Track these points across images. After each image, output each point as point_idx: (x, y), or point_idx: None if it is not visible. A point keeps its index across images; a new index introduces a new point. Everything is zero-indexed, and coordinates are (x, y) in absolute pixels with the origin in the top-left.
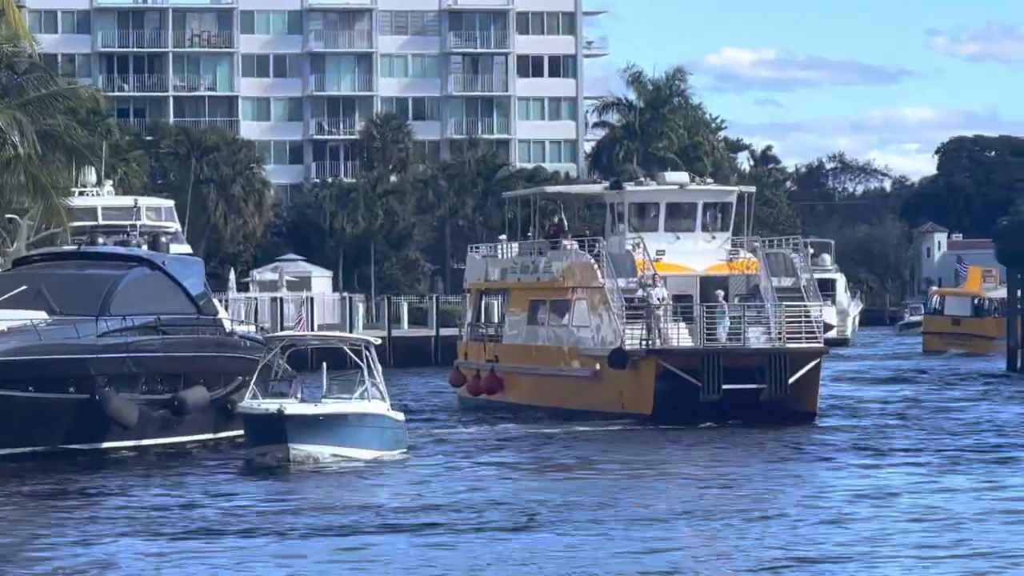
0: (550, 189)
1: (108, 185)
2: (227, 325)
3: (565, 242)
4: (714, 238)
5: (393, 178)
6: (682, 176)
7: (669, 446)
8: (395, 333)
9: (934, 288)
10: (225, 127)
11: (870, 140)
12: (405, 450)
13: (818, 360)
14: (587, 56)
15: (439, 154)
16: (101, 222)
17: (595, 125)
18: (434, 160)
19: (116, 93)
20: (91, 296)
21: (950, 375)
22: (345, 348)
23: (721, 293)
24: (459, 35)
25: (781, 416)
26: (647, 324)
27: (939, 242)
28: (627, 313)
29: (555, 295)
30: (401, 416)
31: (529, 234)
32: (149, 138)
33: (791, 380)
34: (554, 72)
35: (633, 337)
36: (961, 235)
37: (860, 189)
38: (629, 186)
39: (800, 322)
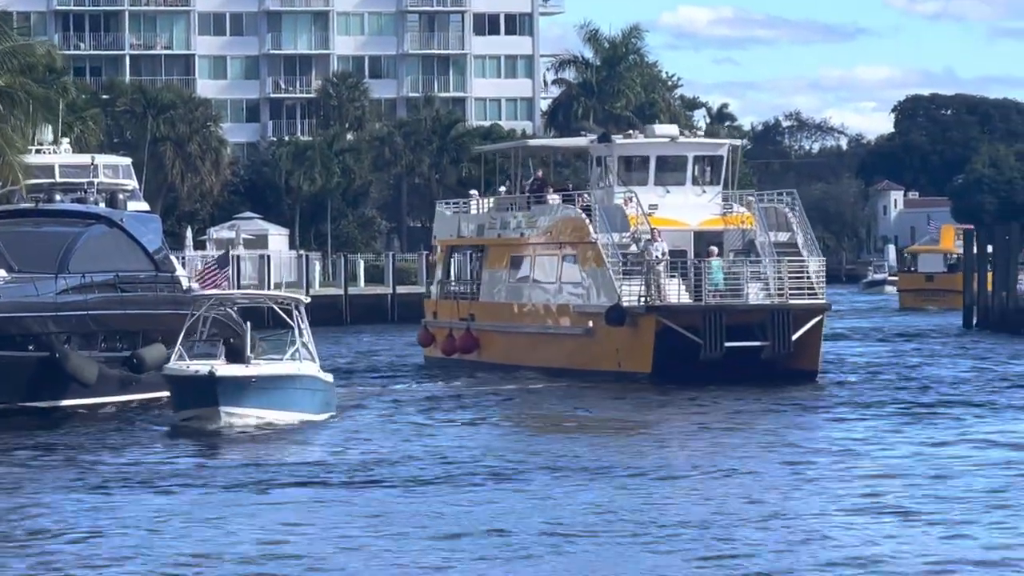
0: (532, 142)
1: (65, 143)
2: (184, 283)
3: (550, 196)
4: (704, 192)
5: (349, 136)
6: (672, 129)
7: (630, 399)
8: (351, 291)
9: (891, 246)
10: (182, 85)
11: (827, 98)
12: (334, 413)
13: (821, 317)
14: (543, 14)
15: (395, 112)
16: (58, 179)
17: (554, 82)
18: (390, 118)
19: (72, 52)
20: (50, 253)
21: (914, 332)
22: (275, 307)
23: (716, 250)
24: None
25: (782, 375)
26: (647, 280)
27: (895, 200)
28: (622, 269)
29: (542, 250)
30: (330, 378)
31: (502, 189)
32: (105, 96)
33: (794, 337)
34: (510, 30)
35: (630, 293)
36: (917, 193)
37: (816, 147)
38: (618, 139)
39: (802, 278)
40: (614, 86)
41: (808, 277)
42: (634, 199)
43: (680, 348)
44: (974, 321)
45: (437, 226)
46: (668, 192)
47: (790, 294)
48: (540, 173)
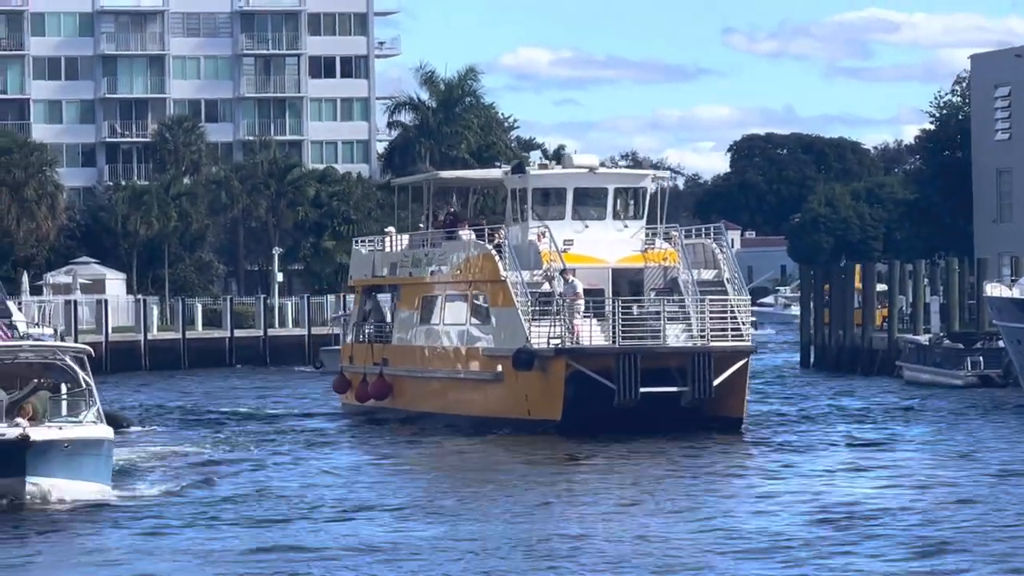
0: (444, 174)
1: None
2: (22, 328)
3: (462, 232)
4: (626, 226)
5: (186, 180)
6: (591, 159)
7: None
8: (189, 335)
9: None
10: (16, 130)
11: (667, 138)
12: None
13: (746, 360)
14: (379, 56)
15: (232, 155)
16: None
17: (390, 124)
18: (227, 162)
19: None
20: None
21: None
22: (68, 360)
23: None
24: (251, 36)
25: (705, 422)
26: (562, 321)
27: (732, 240)
28: (533, 309)
29: (451, 290)
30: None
31: (421, 225)
32: None
33: (716, 382)
34: (346, 73)
35: (540, 335)
36: (754, 233)
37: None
38: (533, 170)
39: (725, 318)
40: (451, 128)
41: (734, 317)
42: (547, 234)
43: (593, 394)
44: (811, 360)
45: (353, 265)
46: (587, 227)
47: (712, 336)
48: (451, 207)
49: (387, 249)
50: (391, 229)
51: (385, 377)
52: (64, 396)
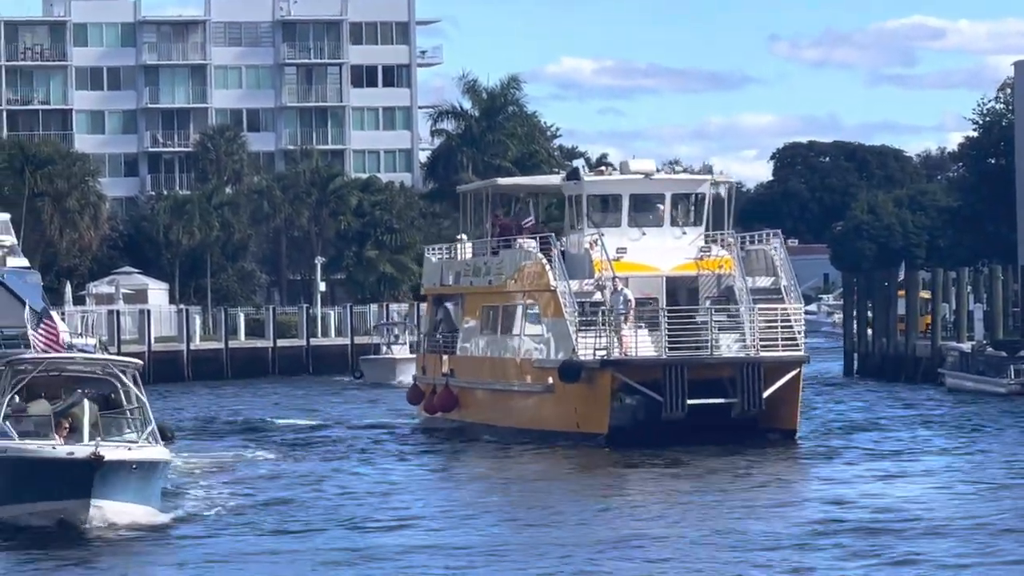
0: (503, 181)
1: None
2: (66, 338)
3: (520, 240)
4: (684, 233)
5: (228, 190)
6: (648, 164)
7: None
8: (232, 344)
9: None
10: (59, 140)
11: (711, 147)
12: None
13: (798, 370)
14: (421, 65)
15: (274, 165)
16: None
17: (433, 133)
18: (269, 171)
19: None
20: None
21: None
22: (119, 374)
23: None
24: (292, 46)
25: (756, 435)
26: (610, 331)
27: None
28: (582, 319)
29: (506, 300)
30: None
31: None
32: None
33: (766, 394)
34: (388, 82)
35: (587, 346)
36: (797, 241)
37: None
38: (589, 176)
39: (777, 327)
40: (494, 137)
41: (787, 326)
42: (599, 242)
43: (640, 406)
44: (855, 368)
45: (425, 274)
46: (644, 234)
47: (762, 345)
48: (500, 214)
49: (455, 257)
50: (463, 236)
51: (451, 388)
52: (121, 413)
